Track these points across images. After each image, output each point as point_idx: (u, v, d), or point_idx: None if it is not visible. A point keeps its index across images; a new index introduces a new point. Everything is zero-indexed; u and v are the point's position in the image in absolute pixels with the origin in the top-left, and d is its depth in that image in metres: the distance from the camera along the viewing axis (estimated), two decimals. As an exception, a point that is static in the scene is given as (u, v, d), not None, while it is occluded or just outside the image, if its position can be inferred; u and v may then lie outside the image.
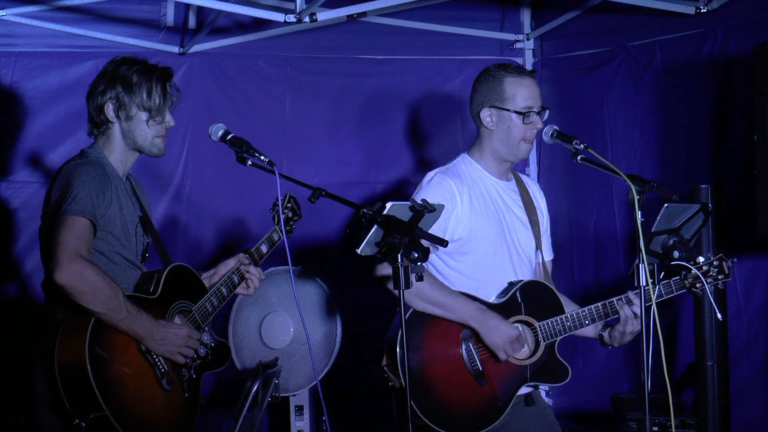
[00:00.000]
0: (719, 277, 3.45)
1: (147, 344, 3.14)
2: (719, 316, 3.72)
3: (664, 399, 3.21)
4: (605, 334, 3.60)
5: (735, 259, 3.48)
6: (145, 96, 3.27)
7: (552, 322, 3.52)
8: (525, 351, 3.54)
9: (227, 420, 4.72)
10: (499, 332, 3.42)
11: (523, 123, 3.51)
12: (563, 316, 3.53)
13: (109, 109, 3.28)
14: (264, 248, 3.75)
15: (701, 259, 3.46)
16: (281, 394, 4.52)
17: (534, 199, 3.74)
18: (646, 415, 3.12)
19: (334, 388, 4.98)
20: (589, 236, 5.29)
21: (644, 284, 3.11)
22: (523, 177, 3.80)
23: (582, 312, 3.53)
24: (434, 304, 3.43)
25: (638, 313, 3.47)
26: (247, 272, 3.59)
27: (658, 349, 3.06)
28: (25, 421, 4.90)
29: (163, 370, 3.18)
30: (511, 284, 3.58)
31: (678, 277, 3.46)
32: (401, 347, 3.14)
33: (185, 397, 3.26)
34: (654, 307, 3.12)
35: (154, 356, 3.17)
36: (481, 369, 3.46)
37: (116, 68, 3.31)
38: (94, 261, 3.12)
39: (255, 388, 3.36)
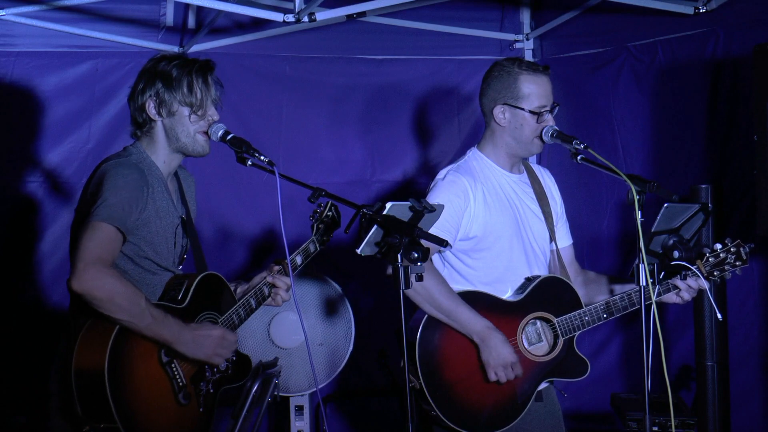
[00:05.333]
0: (737, 263, 3.43)
1: (177, 348, 3.01)
2: (719, 316, 3.71)
3: (664, 399, 3.22)
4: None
5: (752, 245, 3.46)
6: (186, 90, 3.17)
7: (570, 318, 3.52)
8: (544, 347, 3.54)
9: (227, 420, 4.72)
10: (497, 354, 3.42)
11: (537, 122, 3.51)
12: (581, 311, 3.53)
13: (150, 107, 3.17)
14: (299, 259, 3.53)
15: (718, 246, 3.45)
16: (293, 394, 4.56)
17: (546, 189, 3.73)
18: (646, 415, 3.13)
19: (340, 388, 4.98)
20: (592, 235, 5.29)
21: (644, 284, 3.11)
22: (534, 166, 3.79)
23: (600, 306, 3.53)
24: (441, 311, 3.43)
25: (693, 285, 3.45)
26: (275, 285, 3.41)
27: (657, 349, 3.06)
28: (25, 421, 4.90)
29: (181, 384, 3.06)
30: (529, 280, 3.58)
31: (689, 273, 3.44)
32: (417, 347, 3.29)
33: (200, 412, 3.13)
34: (654, 306, 3.12)
35: (174, 368, 3.05)
36: None
37: (155, 65, 3.21)
38: (121, 265, 3.06)
39: (255, 388, 3.36)
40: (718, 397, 4.39)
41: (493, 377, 3.42)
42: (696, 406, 4.45)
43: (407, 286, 2.90)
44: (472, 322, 3.43)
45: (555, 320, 3.52)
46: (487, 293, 3.51)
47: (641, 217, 3.08)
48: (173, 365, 3.05)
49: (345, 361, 4.62)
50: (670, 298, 3.52)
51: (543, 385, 3.58)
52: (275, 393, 3.43)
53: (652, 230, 3.20)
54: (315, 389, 4.46)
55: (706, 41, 4.67)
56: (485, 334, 3.42)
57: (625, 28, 5.06)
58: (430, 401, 3.38)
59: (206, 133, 3.22)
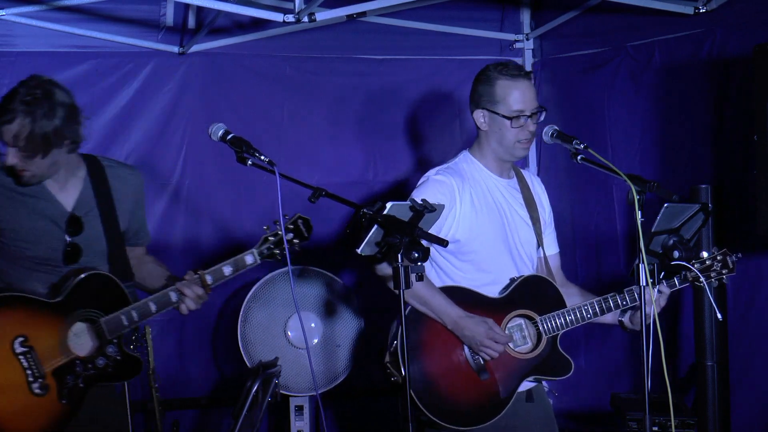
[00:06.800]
0: (723, 271, 3.46)
1: None
2: (719, 316, 3.72)
3: (664, 399, 3.22)
4: (625, 320, 3.59)
5: (739, 255, 3.48)
6: None
7: (554, 316, 3.53)
8: (527, 345, 3.54)
9: (227, 420, 4.72)
10: (473, 335, 3.42)
11: (512, 127, 3.50)
12: (565, 310, 3.54)
13: None
14: (227, 270, 3.34)
15: (705, 254, 3.47)
16: (298, 394, 4.57)
17: (535, 195, 3.73)
18: (646, 415, 3.13)
19: (340, 388, 4.98)
20: (590, 236, 5.29)
21: (644, 284, 3.11)
22: (524, 172, 3.79)
23: (584, 306, 3.53)
24: (417, 299, 3.44)
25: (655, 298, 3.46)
26: (183, 294, 3.30)
27: (658, 349, 3.06)
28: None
29: (36, 374, 3.12)
30: (513, 279, 3.58)
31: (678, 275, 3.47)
32: (401, 345, 3.17)
33: (60, 404, 3.16)
34: (654, 306, 3.12)
35: (30, 359, 3.12)
36: (483, 363, 3.47)
37: None
38: (2, 266, 3.26)
39: (255, 388, 3.36)
40: (718, 397, 4.39)
41: (486, 357, 3.44)
42: (696, 406, 4.45)
43: (408, 285, 2.90)
44: (447, 311, 3.44)
45: (538, 318, 3.53)
46: (470, 289, 3.51)
47: (641, 217, 3.08)
48: (29, 356, 3.12)
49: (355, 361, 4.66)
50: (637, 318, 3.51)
51: (530, 384, 3.59)
52: (277, 392, 3.44)
53: (652, 230, 3.20)
54: (315, 393, 4.47)
55: (704, 41, 4.67)
56: (459, 323, 3.43)
57: (625, 28, 5.06)
58: (413, 395, 3.36)
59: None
